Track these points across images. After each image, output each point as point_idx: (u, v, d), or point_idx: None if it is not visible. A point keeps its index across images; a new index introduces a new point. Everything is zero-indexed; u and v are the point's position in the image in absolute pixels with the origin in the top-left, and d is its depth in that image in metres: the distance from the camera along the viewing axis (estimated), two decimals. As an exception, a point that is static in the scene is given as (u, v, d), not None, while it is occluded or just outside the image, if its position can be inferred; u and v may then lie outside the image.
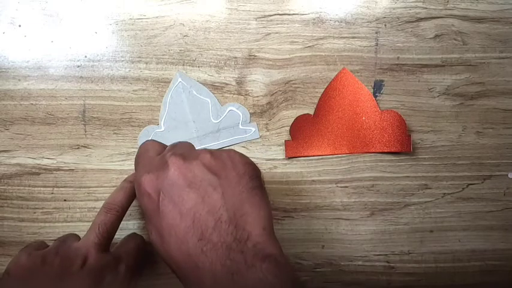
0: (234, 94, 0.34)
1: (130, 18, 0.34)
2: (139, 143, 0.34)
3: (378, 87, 0.35)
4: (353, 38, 0.34)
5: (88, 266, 0.26)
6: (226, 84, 0.34)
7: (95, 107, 0.34)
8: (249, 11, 0.34)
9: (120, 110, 0.34)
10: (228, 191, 0.22)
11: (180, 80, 0.34)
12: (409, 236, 0.35)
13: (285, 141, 0.34)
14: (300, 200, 0.34)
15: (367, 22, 0.34)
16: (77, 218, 0.34)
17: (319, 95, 0.34)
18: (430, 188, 0.35)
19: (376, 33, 0.35)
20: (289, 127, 0.34)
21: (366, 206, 0.35)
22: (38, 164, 0.34)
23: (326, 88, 0.34)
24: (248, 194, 0.22)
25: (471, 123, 0.35)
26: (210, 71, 0.34)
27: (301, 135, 0.34)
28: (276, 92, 0.34)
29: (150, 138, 0.32)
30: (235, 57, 0.34)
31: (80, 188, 0.34)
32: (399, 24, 0.35)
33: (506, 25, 0.35)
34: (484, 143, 0.35)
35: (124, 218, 0.30)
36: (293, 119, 0.34)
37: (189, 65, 0.34)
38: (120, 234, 0.31)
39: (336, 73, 0.34)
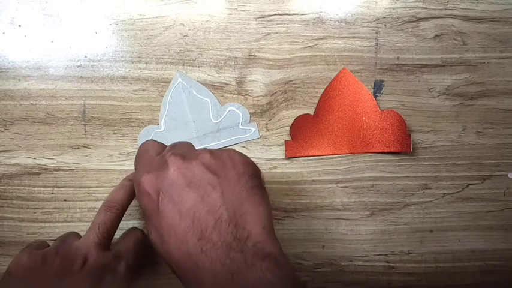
0: (234, 94, 0.34)
1: (130, 18, 0.34)
2: (140, 143, 0.34)
3: (378, 87, 0.35)
4: (353, 38, 0.34)
5: (88, 265, 0.26)
6: (226, 84, 0.34)
7: (95, 107, 0.34)
8: (249, 11, 0.34)
9: (120, 110, 0.34)
10: (227, 190, 0.22)
11: (180, 80, 0.34)
12: (409, 236, 0.35)
13: (285, 141, 0.34)
14: (300, 200, 0.34)
15: (367, 22, 0.34)
16: (77, 218, 0.34)
17: (319, 95, 0.34)
18: (430, 188, 0.35)
19: (376, 33, 0.35)
20: (289, 127, 0.34)
21: (366, 206, 0.35)
22: (38, 164, 0.34)
23: (326, 88, 0.34)
24: (248, 193, 0.22)
25: (471, 123, 0.35)
26: (210, 71, 0.34)
27: (301, 135, 0.34)
28: (276, 92, 0.34)
29: (150, 138, 0.32)
30: (235, 57, 0.34)
31: (80, 188, 0.34)
32: (399, 24, 0.35)
33: (506, 25, 0.35)
34: (484, 143, 0.35)
35: (124, 218, 0.30)
36: (293, 119, 0.34)
37: (189, 65, 0.34)
38: (120, 234, 0.31)
39: (336, 73, 0.34)
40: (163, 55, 0.34)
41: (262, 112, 0.35)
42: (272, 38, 0.34)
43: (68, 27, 0.34)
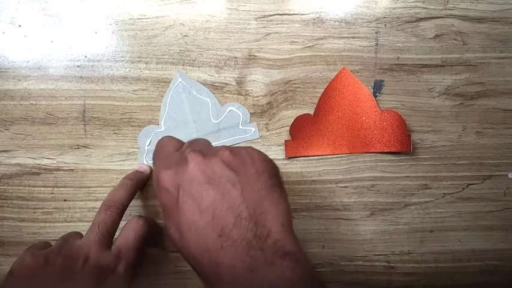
0: (234, 94, 0.34)
1: (130, 18, 0.34)
2: (140, 143, 0.34)
3: (378, 87, 0.35)
4: (353, 38, 0.34)
5: (89, 265, 0.26)
6: (226, 84, 0.34)
7: (95, 107, 0.34)
8: (249, 11, 0.34)
9: (120, 110, 0.34)
10: (247, 187, 0.22)
11: (180, 80, 0.34)
12: (409, 236, 0.35)
13: (285, 141, 0.34)
14: (300, 200, 0.34)
15: (367, 22, 0.34)
16: (77, 218, 0.34)
17: (319, 95, 0.34)
18: (430, 188, 0.35)
19: (376, 33, 0.35)
20: (289, 127, 0.34)
21: (366, 206, 0.35)
22: (38, 164, 0.34)
23: (326, 88, 0.34)
24: (267, 191, 0.22)
25: (471, 123, 0.35)
26: (210, 71, 0.34)
27: (301, 135, 0.34)
28: (276, 92, 0.34)
29: (151, 137, 0.32)
30: (235, 57, 0.34)
31: (80, 188, 0.34)
32: (399, 24, 0.35)
33: (506, 25, 0.35)
34: (484, 143, 0.35)
35: (124, 218, 0.30)
36: (293, 119, 0.34)
37: (189, 65, 0.34)
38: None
39: (336, 73, 0.34)
40: (163, 55, 0.34)
41: (262, 112, 0.35)
42: (272, 38, 0.34)
43: (68, 27, 0.34)
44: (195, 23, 0.34)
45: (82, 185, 0.34)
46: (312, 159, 0.35)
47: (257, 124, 0.35)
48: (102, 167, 0.34)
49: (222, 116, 0.34)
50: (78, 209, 0.34)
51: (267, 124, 0.35)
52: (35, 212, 0.34)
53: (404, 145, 0.34)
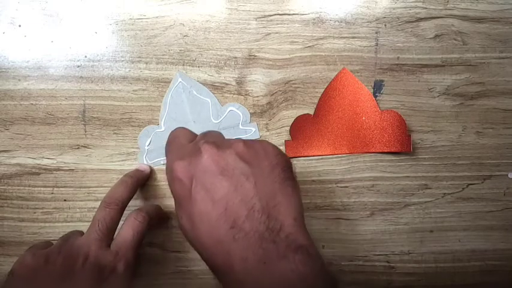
0: (234, 94, 0.34)
1: (130, 18, 0.34)
2: (140, 143, 0.34)
3: (378, 87, 0.35)
4: (353, 38, 0.34)
5: (89, 263, 0.26)
6: (226, 84, 0.34)
7: (95, 107, 0.34)
8: (249, 11, 0.34)
9: (120, 110, 0.34)
10: (260, 180, 0.22)
11: (180, 80, 0.34)
12: (409, 236, 0.35)
13: (285, 141, 0.34)
14: (300, 200, 0.34)
15: (367, 22, 0.34)
16: (77, 218, 0.34)
17: (319, 95, 0.34)
18: (430, 188, 0.35)
19: (376, 33, 0.35)
20: (289, 127, 0.34)
21: (366, 206, 0.35)
22: (38, 164, 0.34)
23: (326, 88, 0.34)
24: (280, 184, 0.22)
25: (471, 123, 0.35)
26: (210, 71, 0.34)
27: (301, 135, 0.34)
28: (276, 92, 0.34)
29: (151, 137, 0.32)
30: (235, 57, 0.34)
31: (80, 188, 0.34)
32: (399, 24, 0.35)
33: (506, 25, 0.35)
34: (484, 143, 0.35)
35: (124, 218, 0.30)
36: (293, 119, 0.34)
37: (189, 65, 0.34)
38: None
39: (336, 73, 0.34)
40: (163, 55, 0.34)
41: (262, 112, 0.35)
42: (272, 38, 0.34)
43: (68, 27, 0.34)
44: (195, 23, 0.34)
45: (82, 185, 0.34)
46: (312, 159, 0.35)
47: (257, 124, 0.35)
48: (102, 167, 0.34)
49: (222, 116, 0.34)
50: (78, 209, 0.34)
51: (267, 124, 0.35)
52: (35, 212, 0.34)
53: (404, 145, 0.34)
